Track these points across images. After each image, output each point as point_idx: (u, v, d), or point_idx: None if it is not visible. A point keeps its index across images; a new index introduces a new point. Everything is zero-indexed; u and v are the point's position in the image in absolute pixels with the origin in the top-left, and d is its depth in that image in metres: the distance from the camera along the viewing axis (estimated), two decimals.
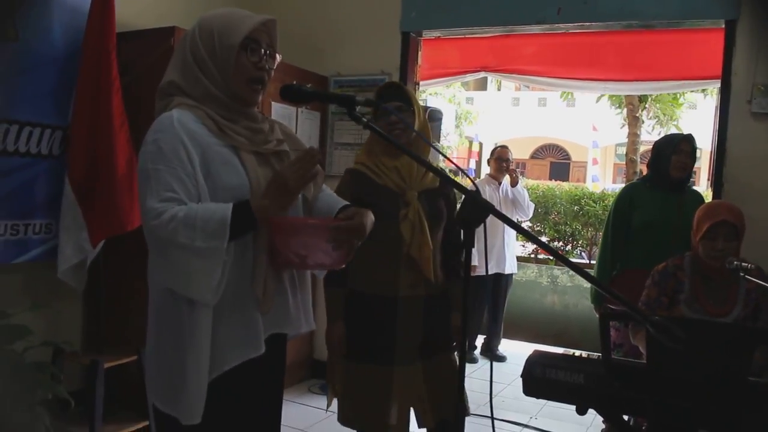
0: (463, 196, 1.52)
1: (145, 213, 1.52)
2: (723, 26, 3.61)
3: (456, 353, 2.49)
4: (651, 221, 3.27)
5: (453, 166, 5.39)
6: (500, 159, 5.25)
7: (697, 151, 3.33)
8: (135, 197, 3.03)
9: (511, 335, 5.97)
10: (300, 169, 1.57)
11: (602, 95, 11.10)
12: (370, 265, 2.38)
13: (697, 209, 3.05)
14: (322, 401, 4.13)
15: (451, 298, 2.50)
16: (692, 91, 10.40)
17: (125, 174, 3.07)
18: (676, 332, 1.34)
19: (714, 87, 5.27)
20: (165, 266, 1.56)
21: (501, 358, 5.43)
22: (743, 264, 2.34)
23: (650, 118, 11.14)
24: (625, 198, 3.42)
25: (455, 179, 1.88)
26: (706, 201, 3.30)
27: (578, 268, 1.52)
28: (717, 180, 3.56)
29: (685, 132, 3.49)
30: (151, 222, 1.50)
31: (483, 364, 5.35)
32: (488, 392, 3.07)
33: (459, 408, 1.64)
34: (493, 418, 1.70)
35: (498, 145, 5.54)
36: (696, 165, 3.46)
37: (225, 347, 1.59)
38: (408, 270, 2.38)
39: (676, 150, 3.27)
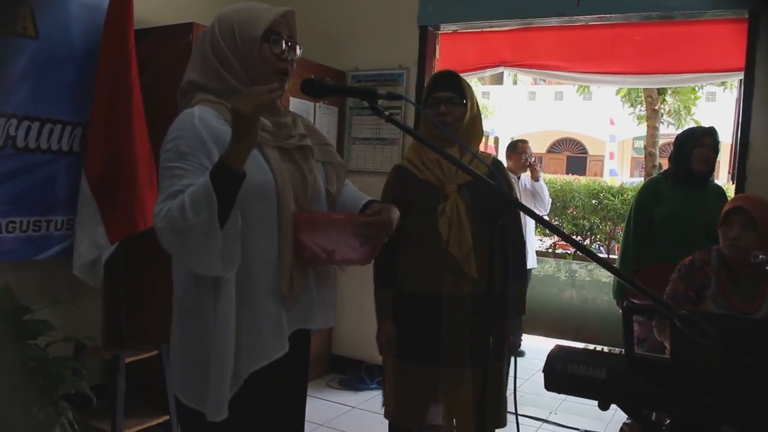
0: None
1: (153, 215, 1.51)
2: (746, 16, 3.56)
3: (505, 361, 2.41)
4: (673, 215, 3.24)
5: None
6: (522, 153, 5.21)
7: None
8: (155, 195, 3.05)
9: (530, 330, 5.93)
10: (250, 95, 1.46)
11: (621, 89, 11.04)
12: (413, 263, 2.34)
13: (720, 203, 3.05)
14: (340, 396, 4.14)
15: (507, 301, 2.38)
16: (711, 84, 10.31)
17: (145, 171, 3.09)
18: (705, 327, 1.32)
19: (734, 79, 5.21)
20: (178, 257, 1.53)
21: (520, 353, 5.40)
22: None
23: (667, 114, 11.06)
24: (647, 192, 3.39)
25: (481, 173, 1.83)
26: (728, 194, 3.27)
27: (606, 263, 1.50)
28: (740, 173, 3.51)
29: (705, 123, 3.45)
30: (155, 224, 1.48)
31: None
32: (508, 388, 3.06)
33: (482, 406, 1.62)
34: (517, 415, 1.69)
35: (518, 139, 5.47)
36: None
37: (250, 347, 1.58)
38: (450, 267, 2.28)
39: (698, 143, 3.23)
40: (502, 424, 2.38)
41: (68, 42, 3.15)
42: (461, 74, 4.63)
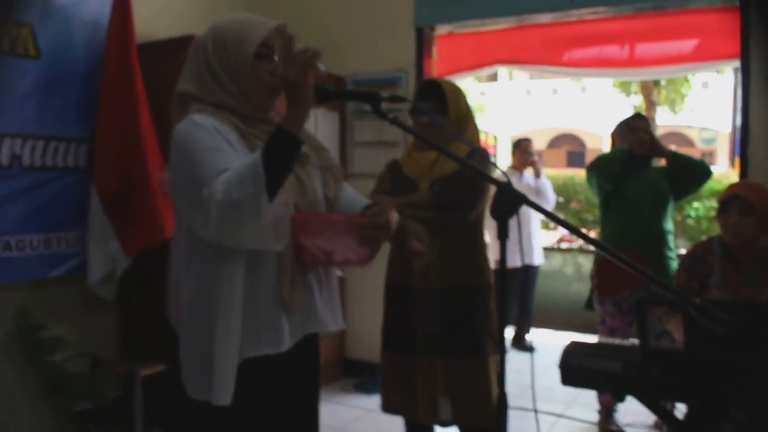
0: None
1: (202, 204, 1.44)
2: (738, 4, 3.58)
3: (489, 357, 2.45)
4: (627, 198, 3.40)
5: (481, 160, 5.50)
6: (525, 152, 5.38)
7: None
8: (169, 205, 3.06)
9: (538, 324, 5.96)
10: (294, 60, 1.51)
11: (615, 82, 11.10)
12: (392, 255, 2.49)
13: (665, 179, 3.33)
14: (356, 400, 4.15)
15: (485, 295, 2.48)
16: (705, 71, 10.38)
17: (158, 183, 3.09)
18: (720, 315, 1.33)
19: (728, 67, 5.22)
20: (226, 236, 1.48)
21: (531, 349, 5.44)
22: None
23: (662, 103, 11.14)
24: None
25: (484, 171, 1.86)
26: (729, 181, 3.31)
27: (613, 253, 1.50)
28: (743, 159, 3.54)
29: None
30: (207, 214, 1.44)
31: (513, 355, 5.34)
32: (520, 383, 3.08)
33: (501, 403, 1.63)
34: (536, 411, 1.70)
35: (521, 137, 5.63)
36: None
37: (246, 341, 1.58)
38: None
39: (631, 129, 3.45)
40: (485, 423, 2.40)
41: (70, 60, 3.18)
42: (459, 73, 4.70)
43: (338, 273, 1.91)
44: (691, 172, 3.37)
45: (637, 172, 3.41)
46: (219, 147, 1.52)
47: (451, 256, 2.42)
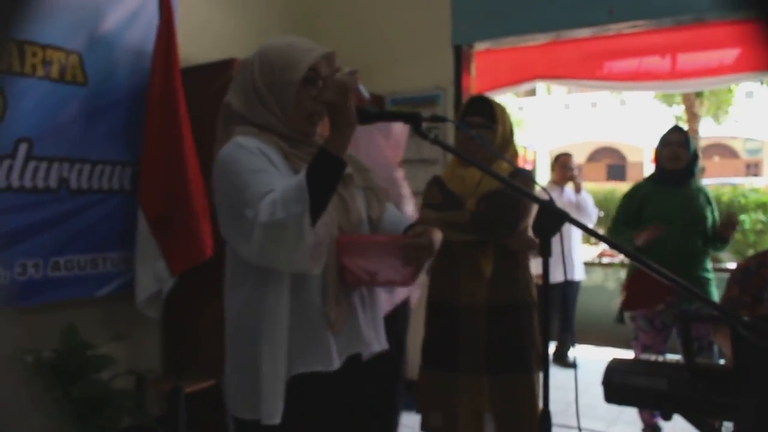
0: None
1: (246, 226, 1.47)
2: None
3: (534, 374, 2.47)
4: (659, 216, 3.29)
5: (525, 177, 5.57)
6: (565, 167, 5.40)
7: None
8: (210, 226, 3.13)
9: (580, 340, 5.90)
10: (334, 84, 1.52)
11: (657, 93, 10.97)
12: (435, 271, 2.47)
13: (706, 202, 3.26)
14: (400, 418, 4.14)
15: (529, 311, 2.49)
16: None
17: (200, 204, 3.17)
18: None
19: None
20: (266, 258, 1.50)
21: (573, 365, 5.37)
22: None
23: (705, 114, 10.97)
24: (632, 194, 3.50)
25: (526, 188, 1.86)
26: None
27: (657, 268, 1.48)
28: None
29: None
30: (251, 235, 1.45)
31: (554, 372, 5.28)
32: (562, 400, 3.04)
33: (545, 421, 1.62)
34: (580, 430, 1.68)
35: (560, 152, 5.66)
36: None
37: (295, 358, 1.59)
38: (465, 278, 2.42)
39: (666, 143, 3.37)
40: None
41: (116, 86, 3.27)
42: (497, 90, 4.69)
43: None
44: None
45: (673, 188, 3.33)
46: (263, 168, 1.55)
47: (498, 272, 2.42)
